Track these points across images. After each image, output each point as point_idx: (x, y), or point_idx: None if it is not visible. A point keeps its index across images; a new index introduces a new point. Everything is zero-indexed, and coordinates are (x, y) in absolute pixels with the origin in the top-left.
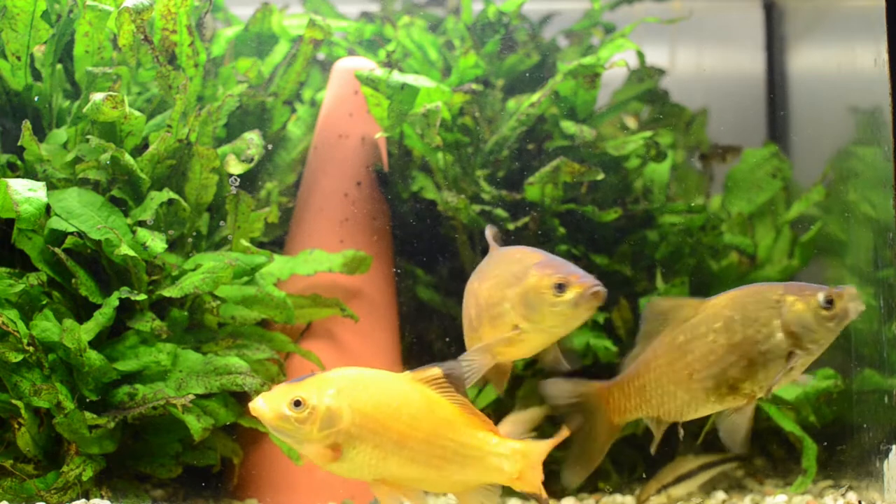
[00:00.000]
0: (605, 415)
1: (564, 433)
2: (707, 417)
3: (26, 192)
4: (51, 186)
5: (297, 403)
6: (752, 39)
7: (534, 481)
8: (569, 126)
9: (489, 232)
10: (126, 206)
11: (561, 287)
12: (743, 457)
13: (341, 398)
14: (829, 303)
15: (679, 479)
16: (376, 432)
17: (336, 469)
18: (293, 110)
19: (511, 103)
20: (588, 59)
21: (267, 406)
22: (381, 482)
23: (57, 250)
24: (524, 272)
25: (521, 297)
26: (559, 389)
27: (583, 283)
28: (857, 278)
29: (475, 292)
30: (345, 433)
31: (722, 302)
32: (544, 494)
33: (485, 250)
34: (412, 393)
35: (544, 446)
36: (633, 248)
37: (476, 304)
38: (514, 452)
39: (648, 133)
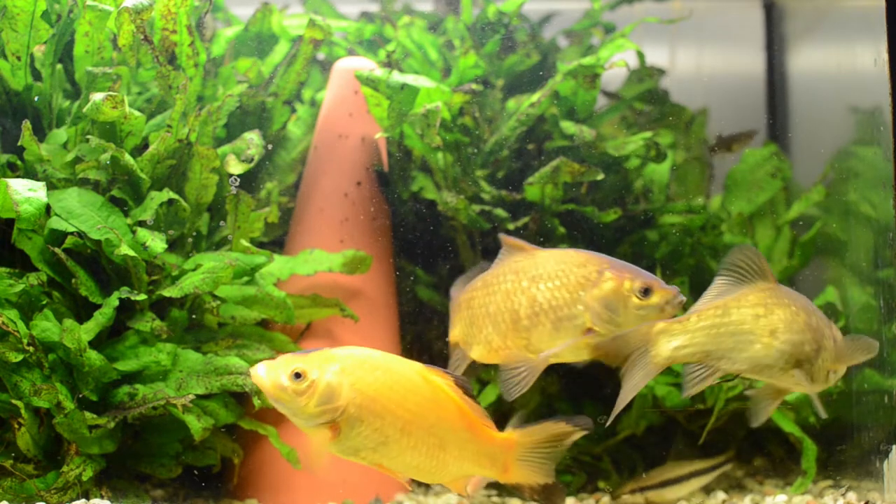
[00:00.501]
0: (652, 352)
1: (574, 433)
2: (708, 418)
3: (26, 192)
4: (51, 186)
5: (298, 375)
6: (752, 39)
7: (528, 474)
8: (569, 126)
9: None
10: (126, 206)
11: (647, 291)
12: (734, 460)
13: (344, 376)
14: None
15: (664, 484)
16: (378, 415)
17: (334, 449)
18: (293, 110)
19: (511, 103)
20: (588, 60)
21: (266, 374)
22: (378, 468)
23: (57, 250)
24: (598, 275)
25: (601, 300)
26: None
27: (666, 288)
28: (857, 278)
29: (525, 292)
30: (343, 411)
31: (791, 290)
32: (553, 483)
33: (485, 250)
34: (421, 382)
35: (529, 433)
36: (633, 248)
37: (530, 304)
38: (501, 444)
39: (648, 133)
